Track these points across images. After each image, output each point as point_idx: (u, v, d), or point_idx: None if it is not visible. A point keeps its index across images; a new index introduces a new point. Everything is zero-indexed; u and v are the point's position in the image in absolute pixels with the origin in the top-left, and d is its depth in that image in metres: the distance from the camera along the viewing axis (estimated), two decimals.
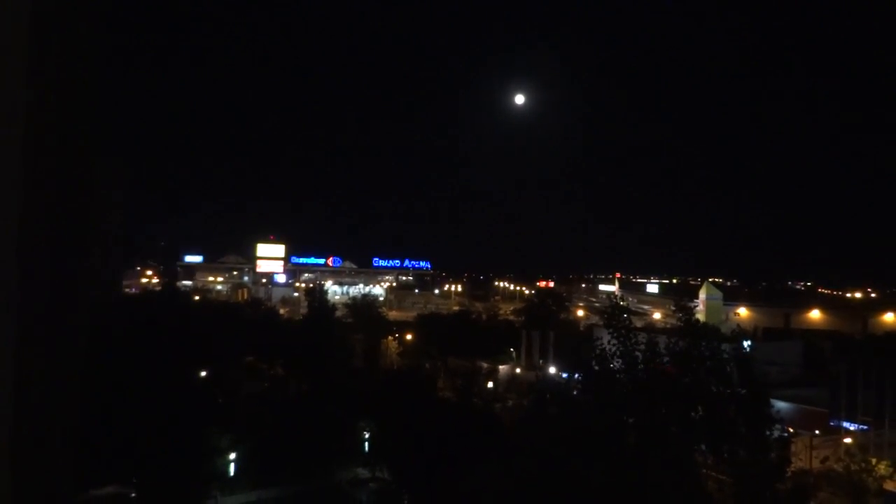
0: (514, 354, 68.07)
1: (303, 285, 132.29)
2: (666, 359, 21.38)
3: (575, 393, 22.91)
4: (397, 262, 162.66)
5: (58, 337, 1.21)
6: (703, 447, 19.70)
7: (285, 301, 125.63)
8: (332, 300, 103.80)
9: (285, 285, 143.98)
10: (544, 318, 79.60)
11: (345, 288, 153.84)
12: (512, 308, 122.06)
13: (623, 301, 24.03)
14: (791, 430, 26.77)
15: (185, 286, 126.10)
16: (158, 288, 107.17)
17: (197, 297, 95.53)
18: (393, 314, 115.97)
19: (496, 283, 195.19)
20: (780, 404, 26.51)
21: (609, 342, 22.42)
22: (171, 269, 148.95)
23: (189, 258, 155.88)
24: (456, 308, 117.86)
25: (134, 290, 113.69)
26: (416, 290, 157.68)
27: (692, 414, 20.00)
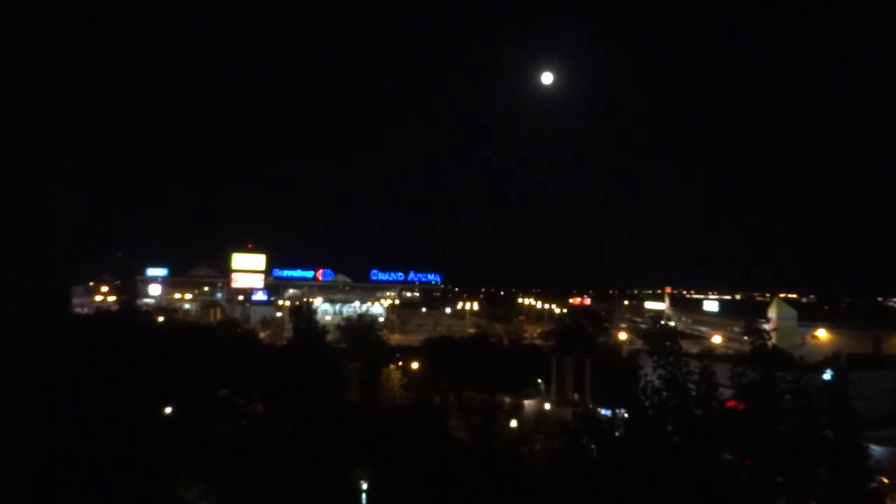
0: (542, 387, 67.84)
1: (287, 303, 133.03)
2: (730, 392, 21.11)
3: (619, 434, 22.70)
4: (400, 276, 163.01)
5: None
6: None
7: (266, 322, 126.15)
8: (322, 321, 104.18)
9: (266, 303, 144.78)
10: (579, 342, 79.41)
11: (337, 306, 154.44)
12: (540, 330, 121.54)
13: (674, 321, 23.87)
14: (886, 481, 26.25)
15: (147, 305, 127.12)
16: (114, 307, 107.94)
17: (161, 318, 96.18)
18: (395, 338, 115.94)
19: (520, 300, 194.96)
20: (873, 448, 26.00)
21: (656, 372, 22.29)
22: (130, 285, 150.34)
23: (151, 271, 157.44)
24: (472, 330, 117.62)
25: (86, 309, 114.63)
26: (424, 309, 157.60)
27: (765, 461, 19.64)
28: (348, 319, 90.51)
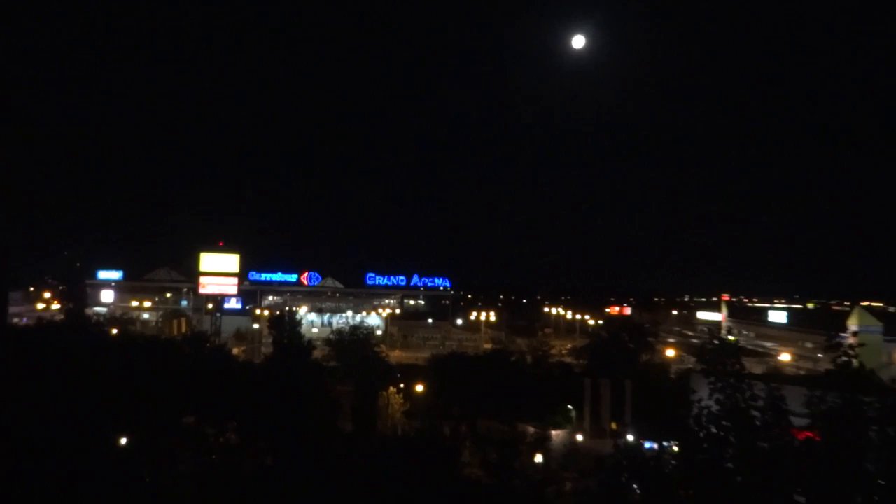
0: (573, 414, 67.70)
1: (266, 313, 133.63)
2: (803, 422, 20.91)
3: (667, 472, 22.58)
4: (401, 279, 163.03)
5: None
6: None
7: (241, 336, 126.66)
8: (307, 334, 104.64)
9: (241, 313, 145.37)
10: (618, 360, 79.22)
11: (326, 317, 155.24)
12: (570, 346, 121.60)
13: (733, 335, 23.81)
14: None
15: (98, 314, 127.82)
16: (59, 317, 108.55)
17: (114, 330, 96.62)
18: (396, 354, 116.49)
19: (546, 310, 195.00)
20: None
21: (712, 396, 22.11)
22: (78, 291, 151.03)
23: (104, 274, 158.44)
24: (488, 346, 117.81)
25: (25, 319, 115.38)
26: (430, 320, 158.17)
27: None
28: (339, 332, 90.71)
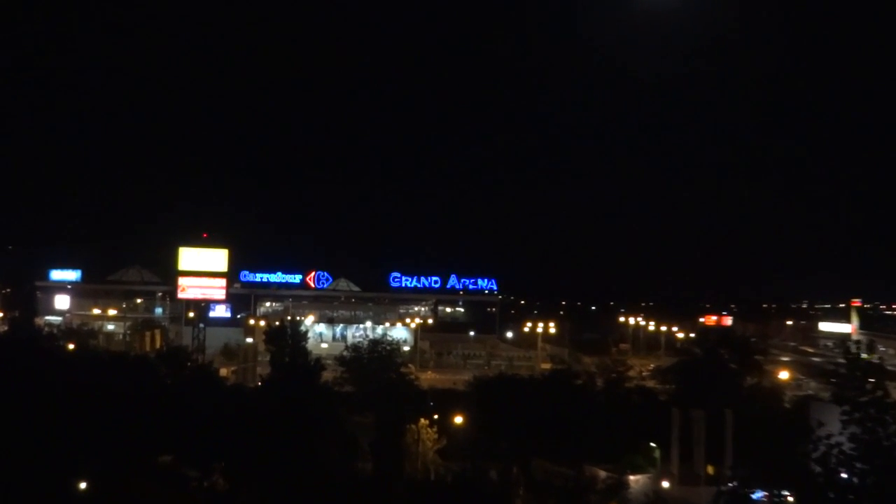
0: (657, 454, 67.17)
1: (262, 323, 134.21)
2: None
3: None
4: (435, 281, 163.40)
5: None
6: None
7: (230, 352, 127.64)
8: (315, 350, 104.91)
9: (230, 322, 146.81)
10: (715, 384, 78.38)
11: (339, 328, 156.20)
12: (653, 366, 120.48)
13: (868, 352, 23.46)
14: None
15: (51, 324, 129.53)
16: (2, 329, 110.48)
17: (71, 346, 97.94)
18: (428, 377, 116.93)
19: (622, 320, 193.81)
20: None
21: (846, 430, 21.95)
22: (25, 295, 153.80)
23: (58, 274, 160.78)
24: (546, 366, 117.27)
25: None
26: (472, 333, 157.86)
27: None
28: (355, 348, 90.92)
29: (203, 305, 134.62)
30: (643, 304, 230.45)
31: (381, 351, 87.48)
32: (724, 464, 61.50)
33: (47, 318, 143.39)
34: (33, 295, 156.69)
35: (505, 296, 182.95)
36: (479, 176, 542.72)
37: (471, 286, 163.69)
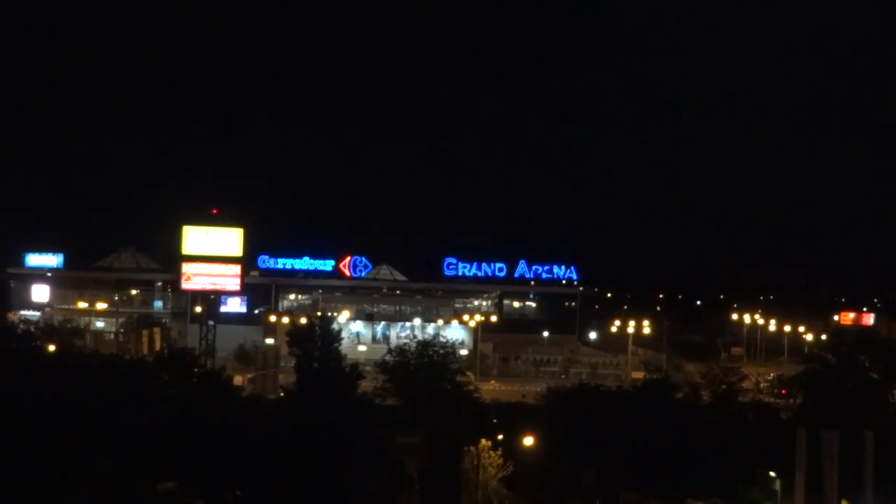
0: (777, 485, 66.63)
1: (285, 320, 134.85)
2: None
3: None
4: (500, 268, 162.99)
5: None
6: None
7: (246, 356, 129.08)
8: (351, 354, 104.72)
9: (246, 319, 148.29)
10: (853, 398, 77.56)
11: (380, 327, 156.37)
12: (773, 376, 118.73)
13: None
14: None
15: (27, 321, 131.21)
16: None
17: (52, 347, 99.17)
18: (491, 387, 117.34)
19: (733, 317, 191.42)
20: None
21: None
22: None
23: (35, 259, 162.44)
24: (639, 375, 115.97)
25: None
26: (545, 333, 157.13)
27: None
28: (401, 352, 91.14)
29: (213, 298, 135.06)
30: (761, 299, 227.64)
31: (433, 355, 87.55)
32: (864, 497, 61.05)
33: (22, 313, 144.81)
34: (5, 285, 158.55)
35: (587, 287, 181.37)
36: (552, 140, 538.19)
37: (544, 275, 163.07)
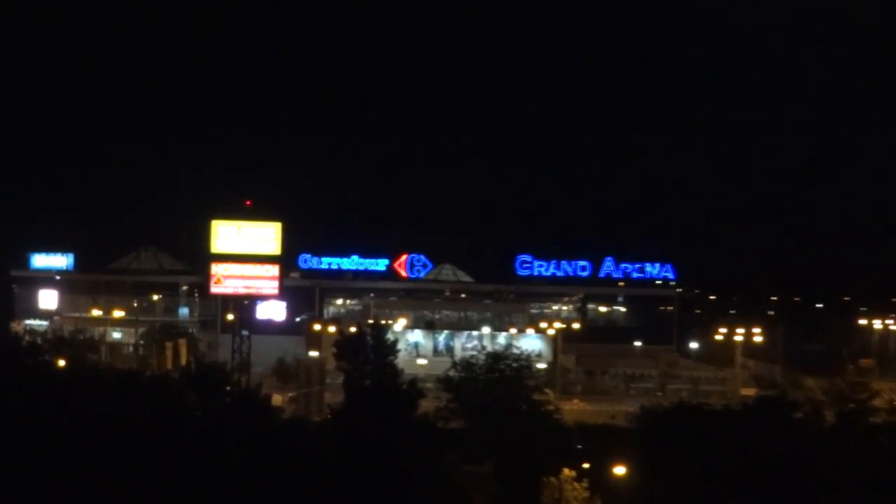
0: None
1: (332, 329, 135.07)
2: None
3: None
4: (583, 267, 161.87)
5: None
6: None
7: (286, 371, 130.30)
8: (409, 368, 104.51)
9: (286, 329, 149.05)
10: None
11: (442, 337, 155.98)
12: None
13: None
14: None
15: (34, 331, 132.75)
16: None
17: (62, 362, 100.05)
18: (574, 406, 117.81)
19: (860, 323, 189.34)
20: None
21: None
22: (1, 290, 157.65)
23: (41, 261, 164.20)
24: (749, 392, 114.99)
25: None
26: (638, 343, 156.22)
27: None
28: (467, 365, 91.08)
29: (247, 304, 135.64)
30: (895, 301, 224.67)
31: (505, 369, 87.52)
32: None
33: (28, 322, 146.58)
34: (9, 290, 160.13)
35: (686, 288, 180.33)
36: (641, 119, 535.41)
37: (635, 274, 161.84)
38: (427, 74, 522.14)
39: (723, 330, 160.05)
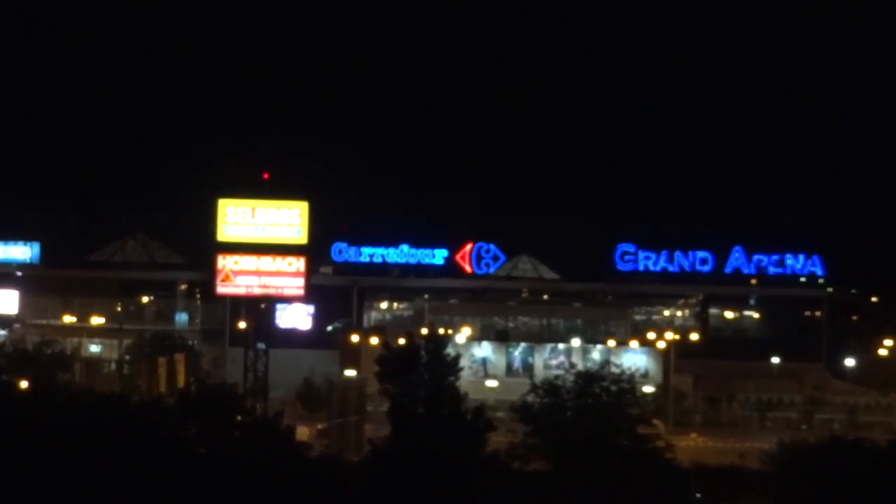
0: None
1: (374, 341, 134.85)
2: None
3: None
4: (703, 260, 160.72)
5: None
6: None
7: (314, 395, 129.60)
8: (474, 391, 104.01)
9: (314, 339, 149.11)
10: None
11: (518, 351, 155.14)
12: None
13: None
14: None
15: None
16: None
17: (24, 383, 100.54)
18: (692, 443, 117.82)
19: None
20: None
21: None
22: None
23: (1, 252, 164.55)
24: None
25: None
26: (775, 360, 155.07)
27: None
28: (551, 388, 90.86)
29: (264, 308, 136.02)
30: None
31: (602, 394, 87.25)
32: None
33: None
34: None
35: (840, 287, 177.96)
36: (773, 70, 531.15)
37: (773, 269, 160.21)
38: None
39: (888, 342, 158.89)
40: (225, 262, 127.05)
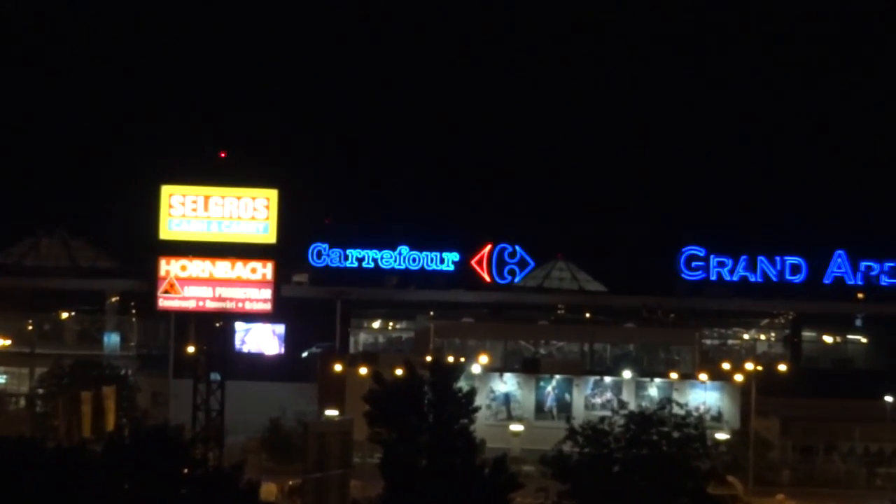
0: None
1: (363, 371, 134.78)
2: None
3: None
4: (792, 266, 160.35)
5: None
6: None
7: (283, 440, 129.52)
8: (494, 439, 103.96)
9: (284, 368, 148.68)
10: None
11: (551, 386, 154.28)
12: None
13: None
14: None
15: None
16: None
17: None
18: None
19: None
20: None
21: None
22: None
23: None
24: None
25: None
26: (889, 399, 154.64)
27: None
28: (594, 435, 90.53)
29: (220, 327, 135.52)
30: None
31: (661, 442, 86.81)
32: None
33: None
34: None
35: None
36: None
37: (884, 279, 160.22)
38: None
39: None
40: (169, 268, 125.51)
